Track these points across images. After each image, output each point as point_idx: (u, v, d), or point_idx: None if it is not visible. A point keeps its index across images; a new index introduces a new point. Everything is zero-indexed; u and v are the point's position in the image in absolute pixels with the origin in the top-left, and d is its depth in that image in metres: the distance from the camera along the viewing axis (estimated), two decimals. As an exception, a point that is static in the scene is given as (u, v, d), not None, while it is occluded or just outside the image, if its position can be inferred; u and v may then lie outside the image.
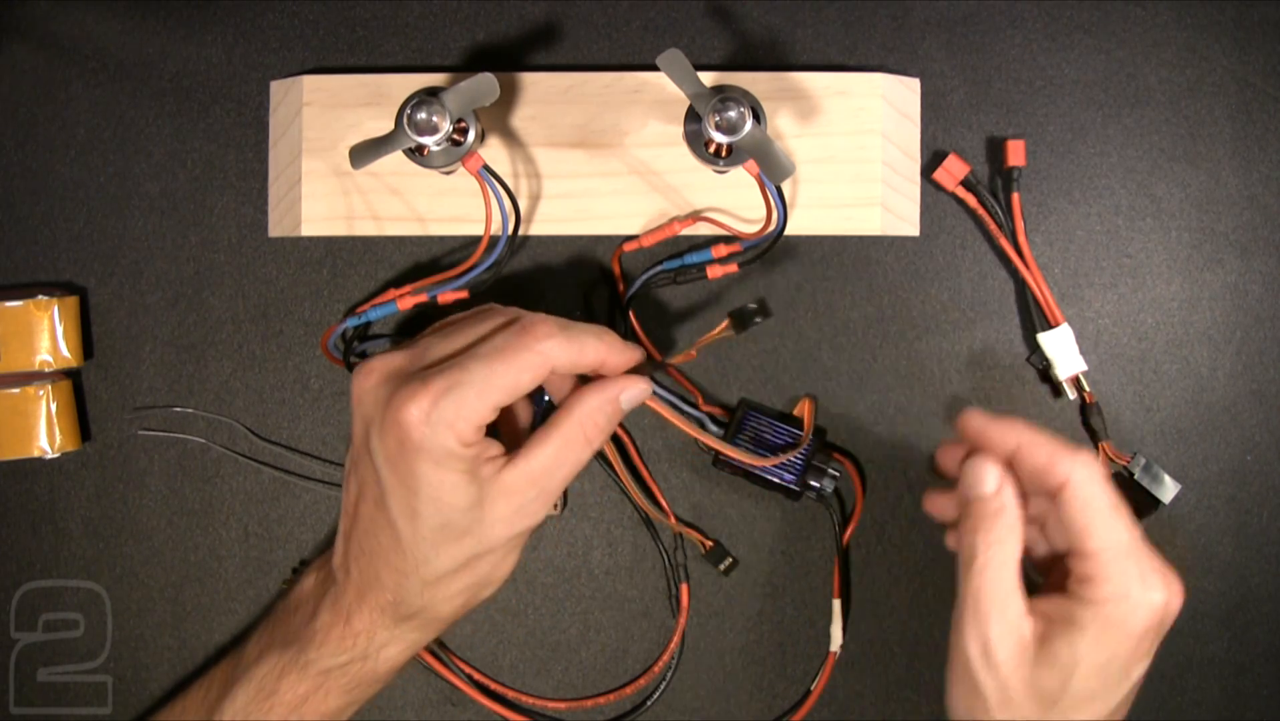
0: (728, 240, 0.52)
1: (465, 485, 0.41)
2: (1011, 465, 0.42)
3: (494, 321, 0.43)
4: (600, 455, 0.53)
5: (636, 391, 0.44)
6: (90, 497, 0.54)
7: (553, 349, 0.42)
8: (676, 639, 0.54)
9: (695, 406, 0.53)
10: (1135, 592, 0.40)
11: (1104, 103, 0.54)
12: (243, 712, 0.46)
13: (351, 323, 0.52)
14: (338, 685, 0.45)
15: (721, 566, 0.53)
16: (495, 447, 0.42)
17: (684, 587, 0.53)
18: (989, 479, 0.42)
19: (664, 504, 0.54)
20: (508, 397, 0.41)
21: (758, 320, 0.41)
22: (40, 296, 0.52)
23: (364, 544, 0.44)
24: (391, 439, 0.41)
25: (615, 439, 0.53)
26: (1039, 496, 0.43)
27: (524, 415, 0.48)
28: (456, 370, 0.41)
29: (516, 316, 0.43)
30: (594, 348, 0.43)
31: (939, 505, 0.46)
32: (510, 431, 0.48)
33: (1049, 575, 0.45)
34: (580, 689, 0.54)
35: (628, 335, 0.53)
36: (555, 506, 0.53)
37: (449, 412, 0.40)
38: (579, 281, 0.54)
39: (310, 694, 0.45)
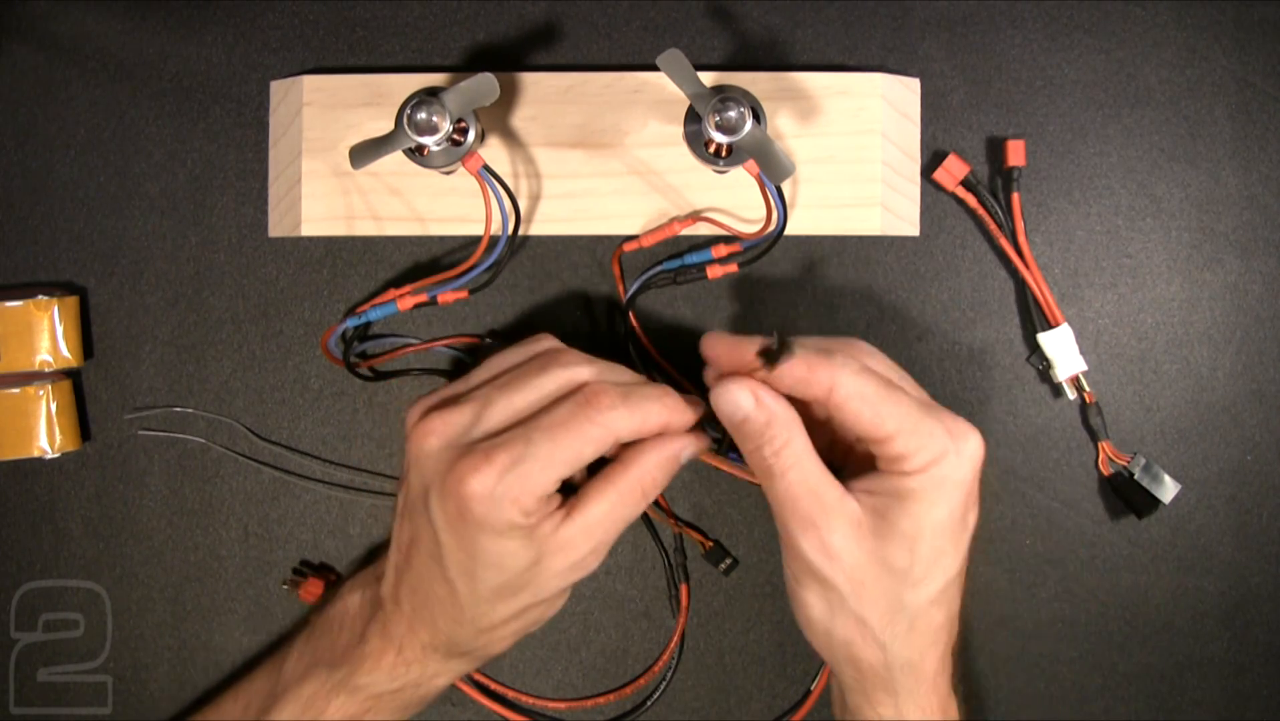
0: (728, 240, 0.52)
1: (524, 549, 0.42)
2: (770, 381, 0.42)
3: (556, 377, 0.43)
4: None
5: (695, 449, 0.44)
6: (90, 497, 0.54)
7: (617, 420, 0.42)
8: (676, 639, 0.53)
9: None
10: (946, 448, 0.40)
11: (1104, 103, 0.54)
12: None
13: (351, 323, 0.52)
14: (388, 706, 0.46)
15: (721, 566, 0.53)
16: (553, 502, 0.42)
17: (684, 588, 0.53)
18: (743, 404, 0.41)
19: (664, 504, 0.54)
20: (571, 470, 0.42)
21: (784, 358, 0.41)
22: (40, 296, 0.52)
23: (418, 589, 0.44)
24: (452, 506, 0.41)
25: None
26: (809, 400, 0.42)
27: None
28: (520, 444, 0.41)
29: (579, 381, 0.43)
30: (657, 414, 0.43)
31: (714, 349, 0.44)
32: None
33: (851, 457, 0.44)
34: (580, 689, 0.54)
35: (628, 335, 0.53)
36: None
37: (513, 488, 0.40)
38: (579, 281, 0.54)
39: (359, 716, 0.46)
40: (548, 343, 0.46)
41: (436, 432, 0.42)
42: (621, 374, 0.44)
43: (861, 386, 0.40)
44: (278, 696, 0.46)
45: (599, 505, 0.42)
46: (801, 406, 0.42)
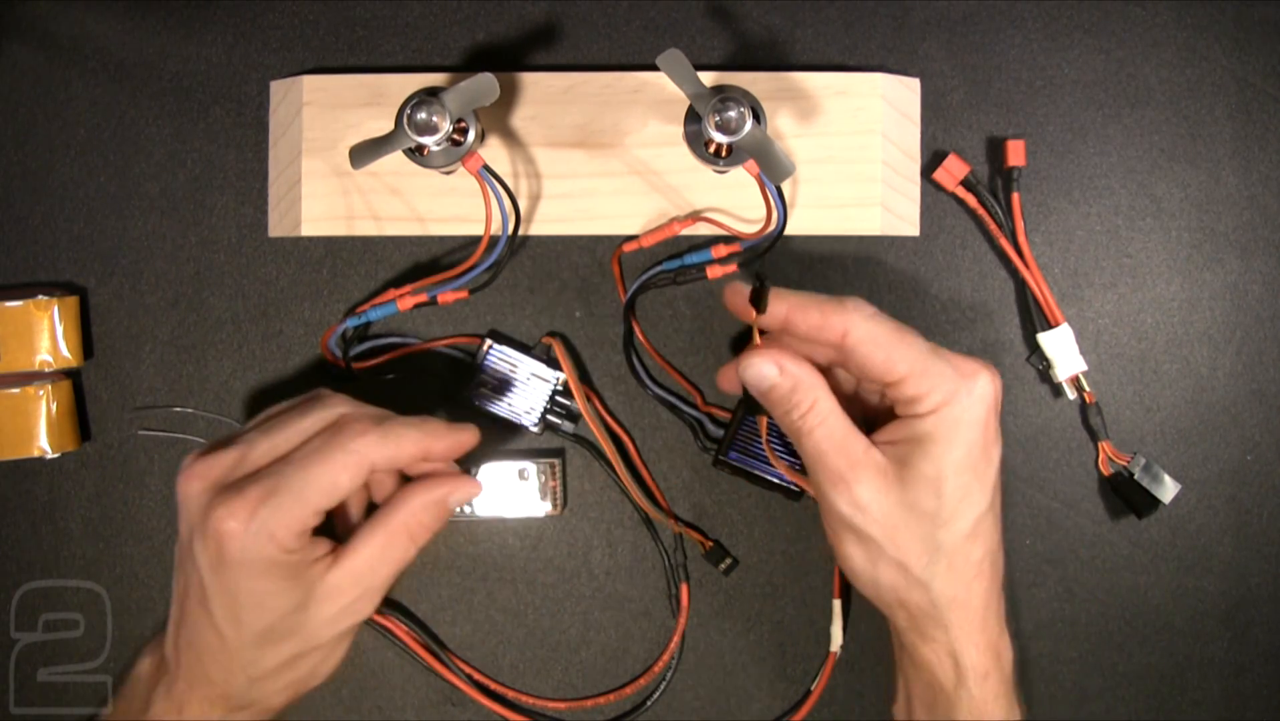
0: (728, 240, 0.52)
1: (287, 590, 0.41)
2: (787, 330, 0.43)
3: (317, 417, 0.43)
4: (600, 455, 0.53)
5: (464, 493, 0.44)
6: (90, 497, 0.54)
7: (367, 447, 0.42)
8: (676, 639, 0.53)
9: (695, 407, 0.53)
10: (958, 388, 0.42)
11: (1104, 103, 0.54)
12: None
13: (352, 323, 0.52)
14: None
15: (721, 566, 0.53)
16: (322, 546, 0.42)
17: (684, 587, 0.53)
18: (767, 373, 0.43)
19: (664, 504, 0.54)
20: (328, 500, 0.41)
21: (762, 287, 0.42)
22: (40, 296, 0.52)
23: (191, 638, 0.43)
24: (212, 546, 0.41)
25: (615, 439, 0.53)
26: (825, 346, 0.44)
27: (356, 507, 0.46)
28: (273, 477, 0.41)
29: (338, 416, 0.43)
30: (413, 440, 0.43)
31: (733, 299, 0.46)
32: (344, 523, 0.46)
33: (875, 409, 0.46)
34: (580, 689, 0.54)
35: (628, 335, 0.53)
36: (556, 506, 0.53)
37: (268, 522, 0.40)
38: (579, 281, 0.54)
39: None
40: (320, 391, 0.46)
41: (199, 475, 0.42)
42: (385, 412, 0.44)
43: (873, 330, 0.42)
44: None
45: (365, 549, 0.43)
46: (828, 376, 0.44)
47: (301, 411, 0.43)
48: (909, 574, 0.43)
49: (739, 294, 0.44)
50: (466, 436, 0.45)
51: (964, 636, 0.44)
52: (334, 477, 0.41)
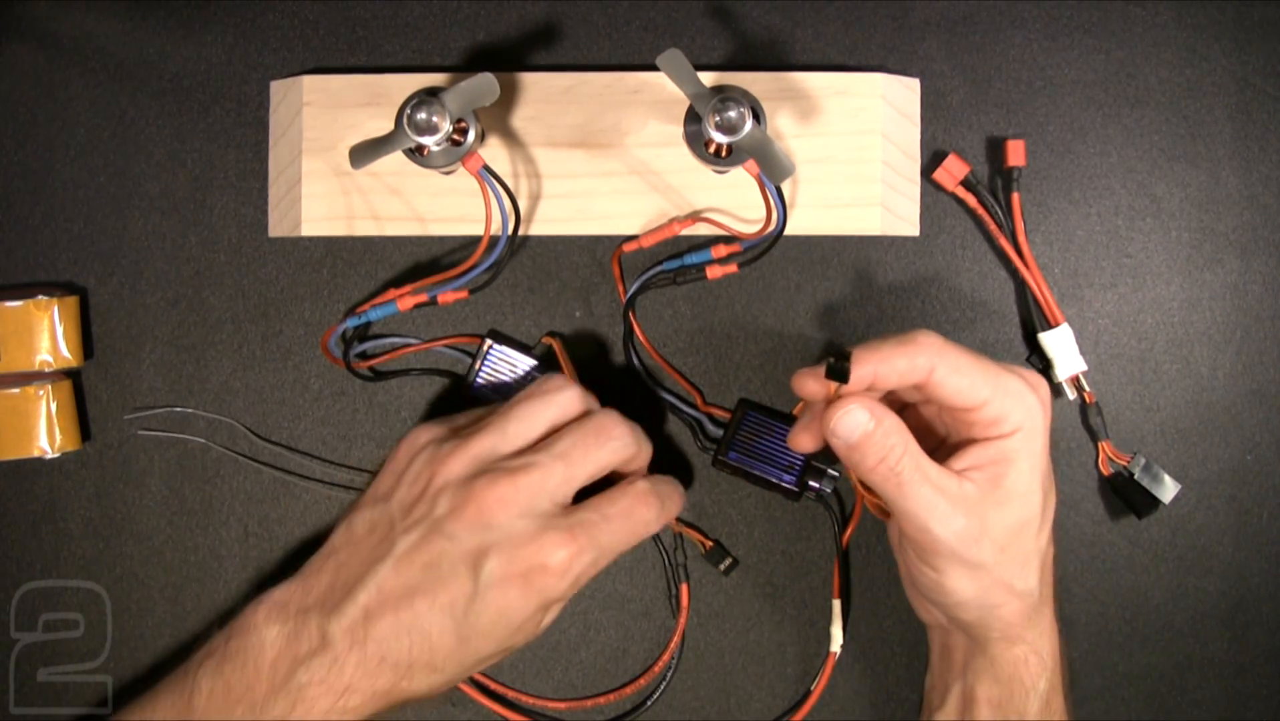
0: (727, 240, 0.52)
1: (532, 608, 0.43)
2: (875, 386, 0.44)
3: (558, 408, 0.46)
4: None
5: (676, 500, 0.48)
6: (90, 497, 0.54)
7: (674, 508, 0.47)
8: (676, 639, 0.53)
9: (695, 406, 0.53)
10: (1032, 401, 0.44)
11: (1104, 103, 0.54)
12: None
13: (351, 323, 0.52)
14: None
15: (721, 566, 0.53)
16: None
17: (684, 587, 0.53)
18: (862, 420, 0.43)
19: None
20: (627, 541, 0.45)
21: (846, 365, 0.42)
22: (40, 296, 0.52)
23: (406, 633, 0.42)
24: (520, 572, 0.42)
25: None
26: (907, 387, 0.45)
27: None
28: (599, 526, 0.44)
29: (584, 410, 0.47)
30: (648, 445, 0.48)
31: (809, 387, 0.45)
32: None
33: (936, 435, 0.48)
34: (580, 689, 0.54)
35: (628, 335, 0.53)
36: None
37: (588, 569, 0.43)
38: (579, 281, 0.54)
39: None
40: (550, 377, 0.48)
41: (520, 502, 0.43)
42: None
43: (953, 360, 0.43)
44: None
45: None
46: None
47: (544, 402, 0.46)
48: (1015, 589, 0.44)
49: (813, 377, 0.44)
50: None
51: (1047, 630, 0.46)
52: (638, 532, 0.45)
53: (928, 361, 0.42)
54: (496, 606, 0.42)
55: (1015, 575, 0.44)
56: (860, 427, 0.42)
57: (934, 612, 0.48)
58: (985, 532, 0.43)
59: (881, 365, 0.42)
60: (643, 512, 0.45)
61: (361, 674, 0.42)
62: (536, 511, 0.43)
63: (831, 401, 0.43)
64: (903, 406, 0.48)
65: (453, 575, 0.42)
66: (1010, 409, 0.43)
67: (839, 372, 0.42)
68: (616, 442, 0.45)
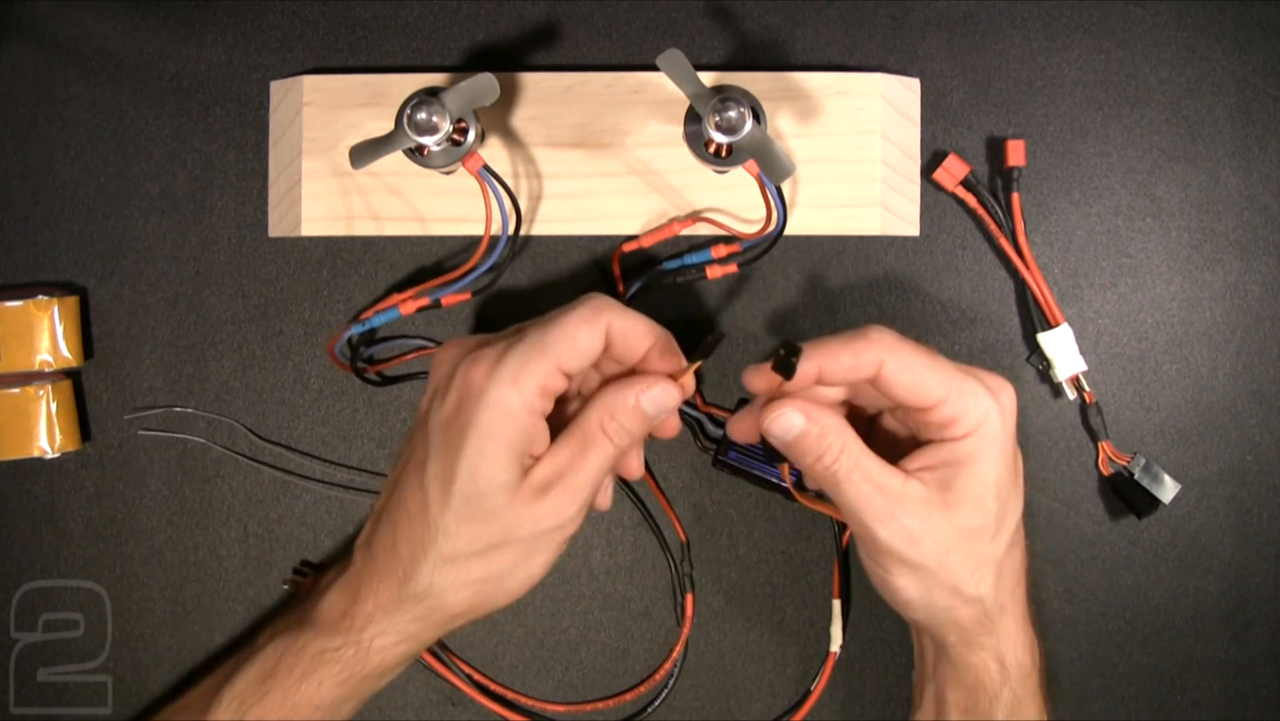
0: (728, 240, 0.52)
1: (507, 462, 0.41)
2: (821, 381, 0.43)
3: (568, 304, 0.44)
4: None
5: (658, 393, 0.43)
6: (90, 497, 0.54)
7: (607, 308, 0.42)
8: (679, 648, 0.53)
9: (695, 407, 0.53)
10: (990, 405, 0.42)
11: (1104, 103, 0.54)
12: (240, 696, 0.45)
13: (356, 330, 0.52)
14: (330, 672, 0.45)
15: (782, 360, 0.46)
16: (543, 441, 0.43)
17: (689, 597, 0.53)
18: (794, 422, 0.42)
19: (667, 506, 0.54)
20: (569, 354, 0.42)
21: (794, 360, 0.41)
22: (40, 296, 0.52)
23: (392, 511, 0.44)
24: (453, 398, 0.42)
25: None
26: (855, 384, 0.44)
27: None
28: (517, 335, 0.42)
29: (585, 295, 0.44)
30: (649, 324, 0.43)
31: (756, 383, 0.44)
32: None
33: (894, 439, 0.47)
34: (580, 689, 0.54)
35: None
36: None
37: (512, 368, 0.41)
38: (579, 281, 0.54)
39: (304, 678, 0.44)
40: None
41: (456, 344, 0.44)
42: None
43: (905, 357, 0.42)
44: (240, 664, 0.46)
45: (563, 447, 0.43)
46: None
47: (589, 325, 0.43)
48: (962, 593, 0.43)
49: (761, 373, 0.43)
50: (684, 364, 0.44)
51: (1009, 639, 0.45)
52: (574, 330, 0.42)
53: (875, 357, 0.42)
54: (445, 445, 0.42)
55: (963, 580, 0.43)
56: (794, 429, 0.42)
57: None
58: (926, 534, 0.42)
59: (827, 360, 0.42)
60: (584, 301, 0.43)
61: (366, 575, 0.44)
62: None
63: (771, 399, 0.42)
64: (866, 416, 0.47)
65: (416, 436, 0.43)
66: (965, 410, 0.42)
67: (785, 367, 0.41)
68: (593, 303, 0.43)
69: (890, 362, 0.42)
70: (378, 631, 0.44)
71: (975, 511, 0.42)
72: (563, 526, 0.43)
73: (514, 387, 0.41)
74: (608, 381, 0.44)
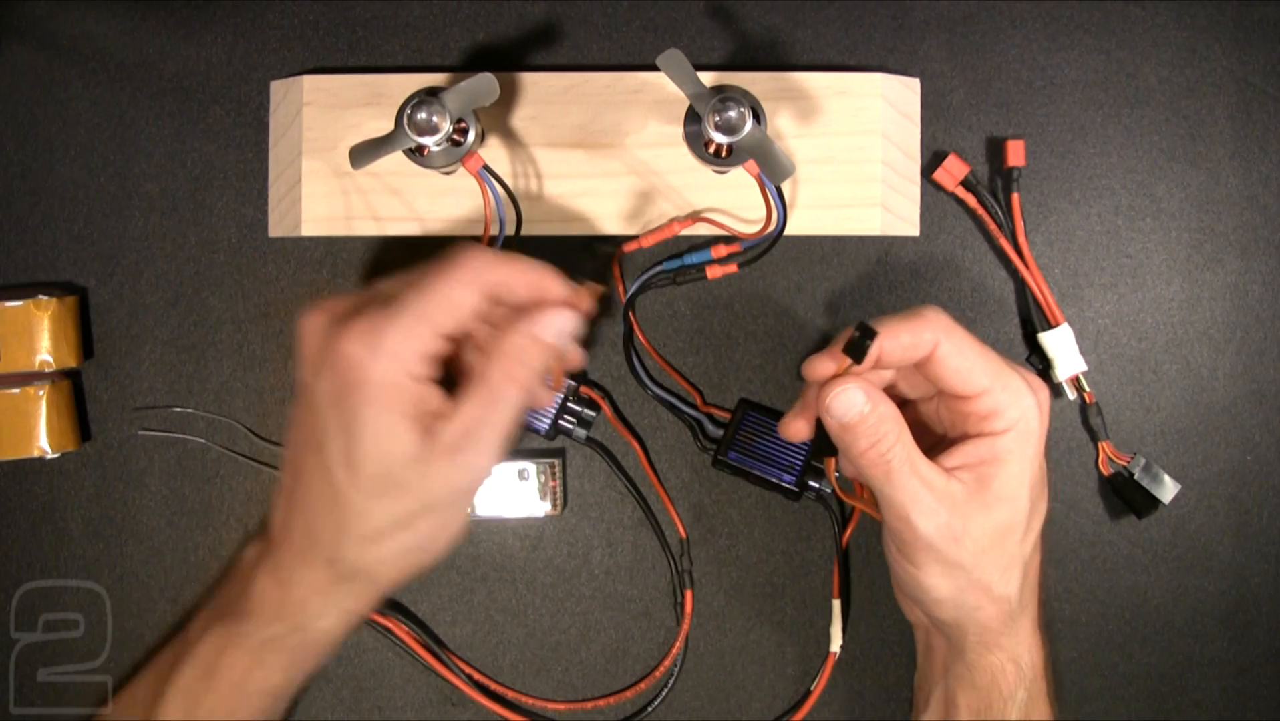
0: (728, 240, 0.52)
1: (406, 432, 0.40)
2: (880, 363, 0.43)
3: (436, 258, 0.42)
4: (613, 459, 0.53)
5: (557, 321, 0.42)
6: (90, 497, 0.54)
7: (483, 262, 0.41)
8: (679, 645, 0.53)
9: (695, 407, 0.53)
10: (1029, 402, 0.43)
11: (1104, 103, 0.54)
12: (186, 692, 0.44)
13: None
14: (276, 659, 0.44)
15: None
16: (440, 399, 0.41)
17: (689, 595, 0.53)
18: (857, 400, 0.42)
19: (669, 506, 0.54)
20: (449, 318, 0.40)
21: (869, 343, 0.41)
22: (40, 296, 0.52)
23: (302, 498, 0.42)
24: (333, 376, 0.40)
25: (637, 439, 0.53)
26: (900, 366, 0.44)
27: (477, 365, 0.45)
28: (394, 300, 0.40)
29: (455, 248, 0.42)
30: (527, 266, 0.42)
31: (820, 368, 0.44)
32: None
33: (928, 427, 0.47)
34: (580, 689, 0.54)
35: (628, 335, 0.53)
36: (555, 506, 0.53)
37: (391, 341, 0.39)
38: (579, 282, 0.54)
39: (250, 668, 0.44)
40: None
41: (322, 310, 0.41)
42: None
43: (960, 341, 0.42)
44: (179, 660, 0.45)
45: (473, 396, 0.41)
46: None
47: (425, 263, 0.42)
48: (992, 592, 0.43)
49: (828, 357, 0.43)
50: (585, 297, 0.43)
51: (1025, 640, 0.45)
52: (451, 292, 0.40)
53: (932, 336, 0.42)
54: (338, 426, 0.40)
55: (995, 579, 0.43)
56: (856, 407, 0.42)
57: (917, 612, 0.47)
58: (967, 532, 0.42)
59: (887, 338, 0.42)
60: (456, 256, 0.41)
61: (291, 558, 0.43)
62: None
63: (830, 380, 0.42)
64: (904, 402, 0.48)
65: (303, 421, 0.42)
66: (1007, 404, 0.42)
67: (859, 349, 0.41)
68: (468, 259, 0.41)
69: (944, 344, 0.42)
70: (316, 614, 0.43)
71: (1009, 510, 0.43)
72: (478, 480, 0.42)
73: (396, 361, 0.39)
74: (501, 324, 0.42)
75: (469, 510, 0.43)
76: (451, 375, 0.43)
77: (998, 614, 0.44)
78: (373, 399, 0.39)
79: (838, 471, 0.46)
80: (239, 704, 0.44)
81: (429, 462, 0.40)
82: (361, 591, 0.43)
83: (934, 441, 0.47)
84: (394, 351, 0.39)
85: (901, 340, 0.42)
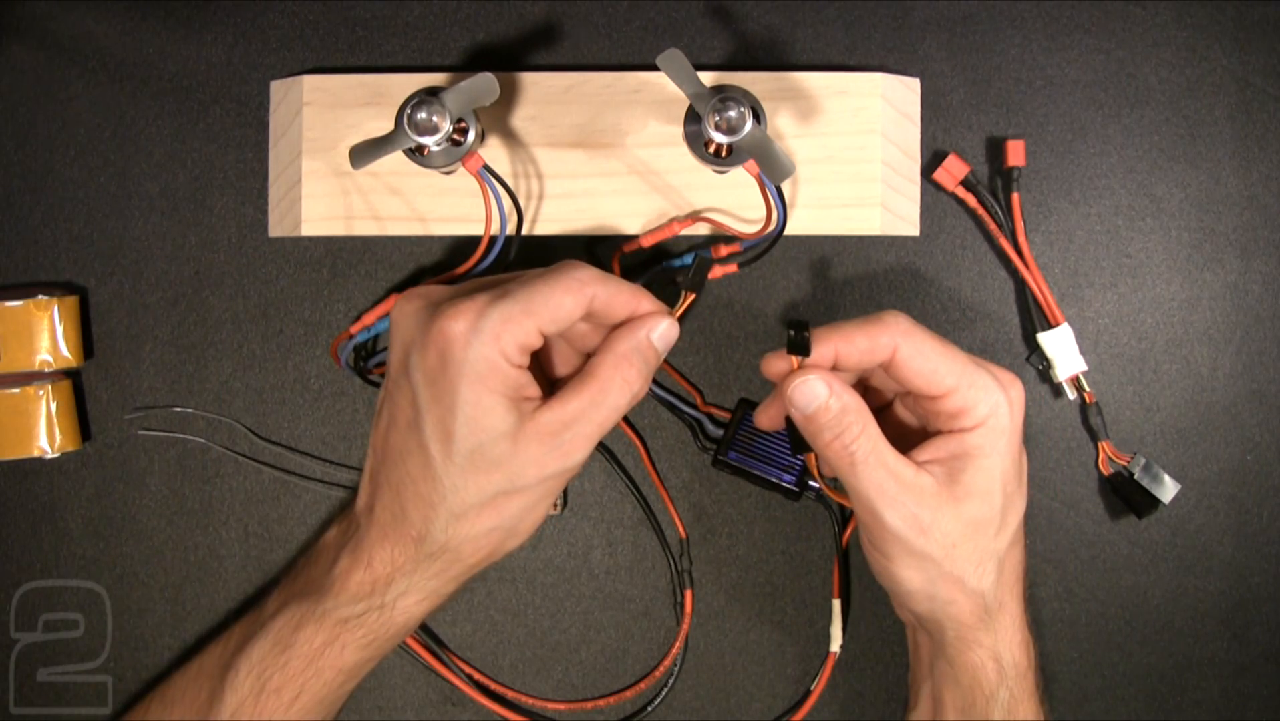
0: (728, 240, 0.52)
1: (504, 410, 0.41)
2: (837, 365, 0.43)
3: (539, 268, 0.44)
4: (614, 458, 0.53)
5: (666, 328, 0.43)
6: (90, 497, 0.54)
7: (591, 278, 0.42)
8: (678, 645, 0.53)
9: (695, 407, 0.53)
10: (1000, 399, 0.43)
11: (1104, 103, 0.54)
12: (259, 666, 0.45)
13: (361, 337, 0.52)
14: (354, 637, 0.44)
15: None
16: (535, 388, 0.42)
17: (688, 594, 0.53)
18: (819, 391, 0.42)
19: (670, 506, 0.54)
20: (551, 318, 0.41)
21: (806, 334, 0.42)
22: (40, 296, 0.52)
23: (391, 476, 0.43)
24: (433, 353, 0.41)
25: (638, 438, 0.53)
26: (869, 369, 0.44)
27: (564, 367, 0.47)
28: (500, 290, 0.41)
29: (560, 263, 0.44)
30: (629, 289, 0.43)
31: (774, 366, 0.45)
32: (554, 385, 0.47)
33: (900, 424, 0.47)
34: (580, 689, 0.54)
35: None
36: (555, 506, 0.53)
37: (494, 324, 0.40)
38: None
39: (327, 645, 0.44)
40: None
41: (419, 295, 0.43)
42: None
43: (920, 343, 0.42)
44: (252, 635, 0.45)
45: (579, 391, 0.42)
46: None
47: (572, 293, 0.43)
48: (965, 586, 0.43)
49: (778, 357, 0.43)
50: (667, 309, 0.44)
51: (1006, 637, 0.45)
52: (559, 298, 0.41)
53: (890, 341, 0.42)
54: (434, 401, 0.41)
55: (968, 572, 0.43)
56: (818, 399, 0.42)
57: (903, 609, 0.47)
58: (935, 525, 0.42)
59: (843, 343, 0.42)
60: (564, 268, 0.42)
61: (376, 538, 0.44)
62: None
63: (792, 373, 0.43)
64: (886, 404, 0.48)
65: (395, 399, 0.43)
66: (975, 401, 0.42)
67: (799, 344, 0.41)
68: (576, 274, 0.42)
69: (904, 348, 0.42)
70: (399, 592, 0.44)
71: (981, 504, 0.43)
72: (569, 470, 0.43)
73: (497, 344, 0.40)
74: (613, 331, 0.44)
75: (553, 500, 0.44)
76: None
77: (972, 609, 0.44)
78: (473, 375, 0.40)
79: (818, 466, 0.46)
80: (311, 679, 0.44)
81: (523, 443, 0.41)
82: (446, 569, 0.44)
83: (911, 440, 0.47)
84: (496, 333, 0.40)
85: (858, 345, 0.42)
